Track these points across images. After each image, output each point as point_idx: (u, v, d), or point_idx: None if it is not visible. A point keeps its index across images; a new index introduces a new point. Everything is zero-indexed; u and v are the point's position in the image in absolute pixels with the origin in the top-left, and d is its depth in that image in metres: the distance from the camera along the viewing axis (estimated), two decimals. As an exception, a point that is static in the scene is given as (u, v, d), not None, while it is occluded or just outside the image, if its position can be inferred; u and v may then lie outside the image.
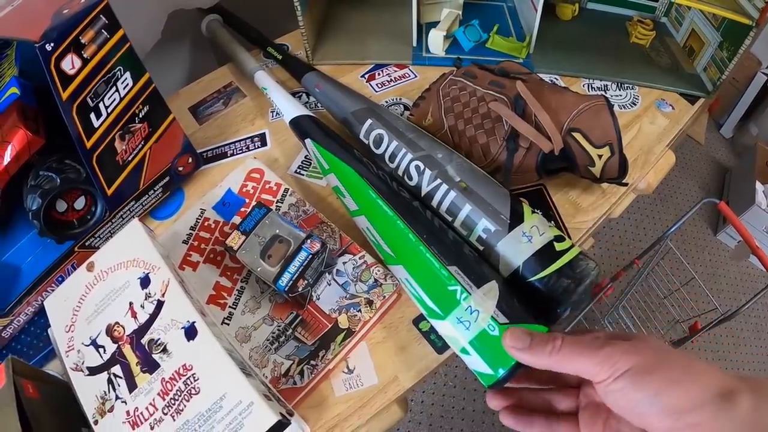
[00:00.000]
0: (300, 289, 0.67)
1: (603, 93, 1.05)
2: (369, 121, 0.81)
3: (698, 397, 0.41)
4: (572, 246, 0.65)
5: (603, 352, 0.44)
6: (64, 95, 0.65)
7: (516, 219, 0.66)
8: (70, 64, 0.64)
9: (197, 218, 0.79)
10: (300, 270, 0.67)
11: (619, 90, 1.06)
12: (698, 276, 1.90)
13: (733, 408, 0.40)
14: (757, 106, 2.83)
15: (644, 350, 0.44)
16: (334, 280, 0.71)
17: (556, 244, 0.64)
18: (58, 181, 0.73)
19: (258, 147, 0.94)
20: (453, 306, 0.61)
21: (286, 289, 0.66)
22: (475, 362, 0.57)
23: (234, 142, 0.95)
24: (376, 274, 0.71)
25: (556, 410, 0.55)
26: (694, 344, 2.08)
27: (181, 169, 0.84)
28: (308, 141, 0.82)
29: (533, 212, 0.68)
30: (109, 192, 0.75)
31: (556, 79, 1.07)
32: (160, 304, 0.61)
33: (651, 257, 1.84)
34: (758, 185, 2.47)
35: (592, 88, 1.06)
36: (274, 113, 1.00)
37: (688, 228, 2.59)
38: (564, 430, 0.53)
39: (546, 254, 0.64)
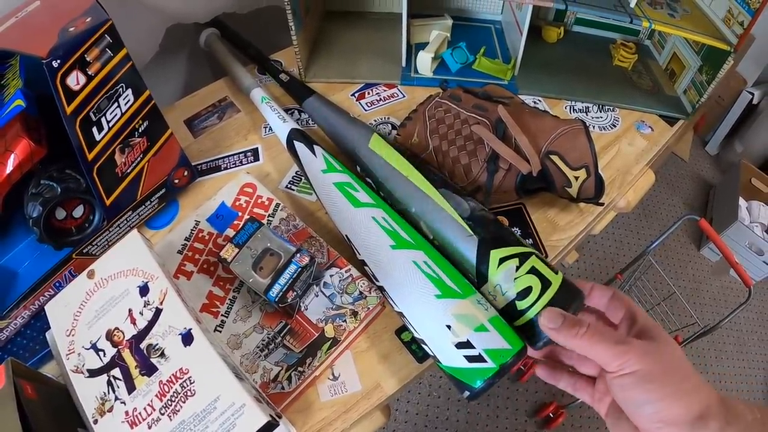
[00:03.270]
0: (289, 300, 0.70)
1: (584, 114, 1.09)
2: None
3: (681, 415, 0.47)
4: (535, 303, 0.65)
5: (618, 349, 0.49)
6: (68, 110, 0.68)
7: (481, 279, 0.68)
8: (75, 80, 0.67)
9: (192, 230, 0.82)
10: (290, 282, 0.70)
11: (600, 112, 1.10)
12: (681, 290, 1.93)
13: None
14: (742, 124, 2.86)
15: (655, 358, 0.49)
16: (322, 291, 0.75)
17: (517, 302, 0.65)
18: (59, 190, 0.75)
19: (251, 161, 0.97)
20: (471, 292, 0.66)
21: (276, 299, 0.69)
22: (492, 338, 0.61)
23: (228, 156, 0.98)
24: (361, 287, 0.75)
25: (579, 371, 0.62)
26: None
27: (176, 181, 0.87)
28: (317, 147, 0.85)
29: (500, 264, 0.68)
30: (108, 202, 0.78)
31: (539, 101, 1.10)
32: (158, 312, 0.64)
33: (633, 272, 1.87)
34: (741, 201, 2.51)
35: (573, 110, 1.10)
36: (267, 128, 1.03)
37: (672, 243, 2.62)
38: (584, 390, 0.60)
39: (507, 314, 0.66)
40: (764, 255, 2.37)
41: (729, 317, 1.48)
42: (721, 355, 2.33)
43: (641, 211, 2.72)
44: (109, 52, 0.70)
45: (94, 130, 0.72)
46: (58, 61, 0.64)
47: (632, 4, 0.98)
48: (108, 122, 0.73)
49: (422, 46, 1.13)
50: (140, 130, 0.78)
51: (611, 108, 1.11)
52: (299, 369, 0.69)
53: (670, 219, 2.74)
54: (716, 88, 1.03)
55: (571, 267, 2.41)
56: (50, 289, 0.79)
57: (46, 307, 0.70)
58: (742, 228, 2.40)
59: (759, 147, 2.77)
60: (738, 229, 2.42)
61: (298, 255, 0.72)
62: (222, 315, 0.74)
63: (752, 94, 2.72)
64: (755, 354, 2.37)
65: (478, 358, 0.60)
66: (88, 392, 0.62)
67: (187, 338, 0.61)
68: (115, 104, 0.73)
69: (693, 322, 1.73)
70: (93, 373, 0.63)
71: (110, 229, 0.82)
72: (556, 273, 0.65)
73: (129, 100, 0.74)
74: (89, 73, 0.68)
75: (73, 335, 0.66)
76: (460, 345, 0.61)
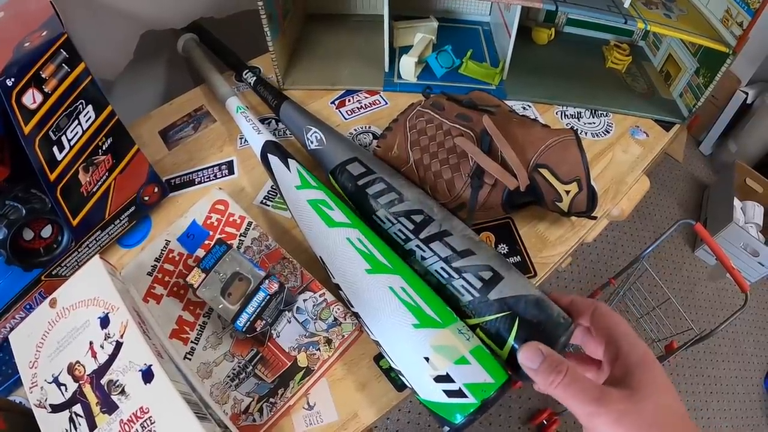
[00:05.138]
0: (258, 330, 0.67)
1: (576, 120, 1.05)
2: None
3: None
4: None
5: (590, 410, 0.46)
6: (26, 129, 0.65)
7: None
8: (32, 98, 0.64)
9: (162, 250, 0.78)
10: (258, 311, 0.66)
11: (593, 117, 1.06)
12: (676, 293, 1.90)
13: None
14: (736, 124, 2.85)
15: (631, 420, 0.45)
16: (294, 317, 0.71)
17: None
18: (24, 211, 0.73)
19: (225, 175, 0.94)
20: (452, 320, 0.62)
21: (244, 329, 0.66)
22: (474, 372, 0.57)
23: (202, 170, 0.95)
24: (336, 312, 0.71)
25: None
26: (671, 363, 2.10)
27: (146, 198, 0.84)
28: (292, 161, 0.81)
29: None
30: (74, 222, 0.75)
31: (529, 107, 1.07)
32: (118, 345, 0.60)
33: (627, 277, 1.85)
34: (736, 202, 2.49)
35: (565, 115, 1.06)
36: (243, 140, 0.99)
37: (666, 245, 2.60)
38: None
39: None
40: (759, 256, 2.35)
41: (725, 323, 1.45)
42: (717, 357, 2.32)
43: (635, 213, 2.70)
44: (66, 67, 0.67)
45: (55, 149, 0.69)
46: (12, 79, 0.62)
47: (626, 5, 0.95)
48: (69, 141, 0.70)
49: (406, 49, 1.10)
50: (104, 148, 0.74)
51: (604, 113, 1.08)
52: (271, 400, 0.66)
53: (664, 220, 2.72)
54: (710, 93, 1.00)
55: (564, 271, 2.39)
56: (21, 312, 0.75)
57: (9, 337, 0.67)
58: (737, 229, 2.38)
59: (753, 147, 2.75)
60: (733, 230, 2.40)
61: (267, 281, 0.68)
62: (192, 342, 0.71)
63: (746, 94, 2.71)
64: (751, 356, 2.36)
65: (458, 393, 0.56)
66: (51, 428, 0.59)
67: (148, 375, 0.58)
68: (76, 122, 0.70)
69: (689, 328, 1.70)
70: (55, 409, 0.60)
71: (80, 250, 0.79)
72: (503, 346, 0.61)
73: (90, 117, 0.71)
74: (45, 90, 0.65)
75: (36, 367, 0.64)
76: (439, 379, 0.58)
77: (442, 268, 0.68)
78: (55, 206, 0.72)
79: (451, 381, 0.57)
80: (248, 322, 0.66)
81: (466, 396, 0.56)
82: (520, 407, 2.03)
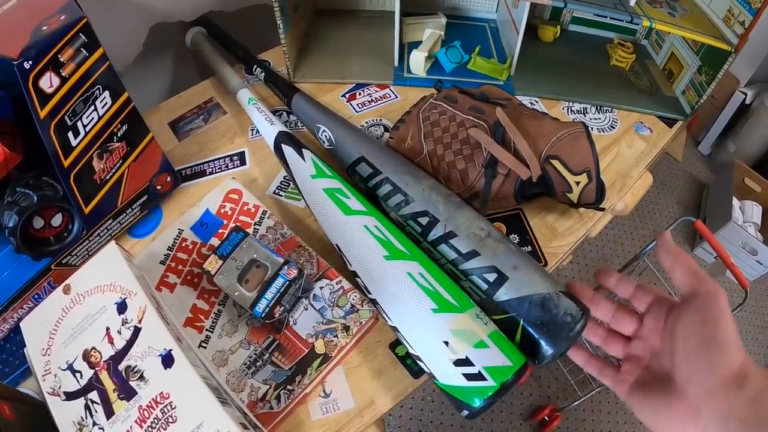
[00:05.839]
0: (277, 316, 0.67)
1: (582, 116, 1.06)
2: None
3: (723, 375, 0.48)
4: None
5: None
6: (42, 113, 0.64)
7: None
8: (49, 82, 0.63)
9: (175, 238, 0.78)
10: (277, 296, 0.66)
11: (598, 113, 1.07)
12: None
13: (741, 391, 0.47)
14: (734, 124, 2.86)
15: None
16: (311, 305, 0.71)
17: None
18: (35, 198, 0.72)
19: (237, 166, 0.94)
20: (470, 305, 0.63)
21: (263, 315, 0.66)
22: (492, 355, 0.58)
23: (213, 160, 0.95)
24: (353, 299, 0.71)
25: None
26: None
27: (159, 187, 0.83)
28: (306, 151, 0.81)
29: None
30: (87, 210, 0.74)
31: (536, 102, 1.08)
32: (137, 331, 0.60)
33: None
34: (735, 201, 2.50)
35: (571, 111, 1.07)
36: (254, 131, 0.99)
37: (666, 243, 2.60)
38: (607, 374, 0.60)
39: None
40: (758, 255, 2.36)
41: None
42: (717, 355, 2.32)
43: (635, 211, 2.71)
44: (84, 51, 0.66)
45: (70, 134, 0.68)
46: (30, 62, 0.61)
47: (632, 3, 0.96)
48: (84, 126, 0.69)
49: (415, 45, 1.10)
50: (119, 135, 0.74)
51: (609, 109, 1.09)
52: (288, 387, 0.66)
53: (664, 219, 2.72)
54: (712, 91, 1.01)
55: (564, 269, 2.39)
56: (29, 302, 0.75)
57: (21, 324, 0.66)
58: (736, 228, 2.38)
59: (752, 146, 2.76)
60: (731, 229, 2.40)
61: (286, 267, 0.68)
62: (207, 330, 0.71)
63: (745, 94, 2.71)
64: (750, 354, 2.35)
65: (478, 376, 0.57)
66: (65, 416, 0.59)
67: (168, 360, 0.57)
68: (92, 107, 0.69)
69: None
70: (70, 396, 0.60)
71: (90, 239, 0.78)
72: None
73: (106, 103, 0.71)
74: (63, 74, 0.65)
75: (49, 355, 0.63)
76: (459, 362, 0.58)
77: (451, 270, 0.69)
78: (68, 193, 0.71)
79: (471, 364, 0.57)
80: (267, 308, 0.66)
81: (485, 379, 0.56)
82: (522, 403, 2.03)
